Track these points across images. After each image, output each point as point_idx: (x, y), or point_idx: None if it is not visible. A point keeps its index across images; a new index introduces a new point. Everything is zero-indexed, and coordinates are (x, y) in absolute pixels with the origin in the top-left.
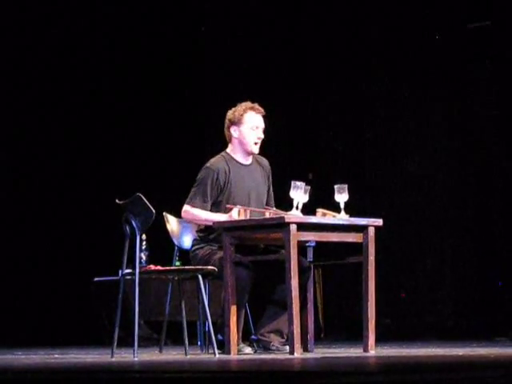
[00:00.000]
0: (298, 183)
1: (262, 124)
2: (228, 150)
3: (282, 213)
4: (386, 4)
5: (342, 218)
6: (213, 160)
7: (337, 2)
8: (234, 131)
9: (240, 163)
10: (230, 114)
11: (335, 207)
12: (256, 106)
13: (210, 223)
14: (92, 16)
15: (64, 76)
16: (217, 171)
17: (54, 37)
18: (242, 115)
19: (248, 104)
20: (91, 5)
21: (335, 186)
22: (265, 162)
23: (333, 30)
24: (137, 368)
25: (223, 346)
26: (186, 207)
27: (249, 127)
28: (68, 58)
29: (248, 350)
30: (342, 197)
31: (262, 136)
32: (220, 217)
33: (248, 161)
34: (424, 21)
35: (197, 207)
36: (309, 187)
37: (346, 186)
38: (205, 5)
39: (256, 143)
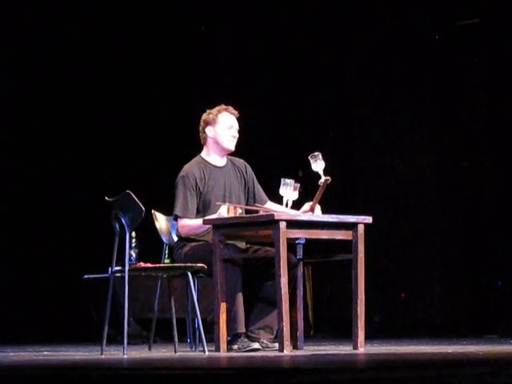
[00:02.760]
0: (288, 180)
1: (236, 125)
2: (202, 153)
3: (271, 210)
4: (375, 1)
5: (325, 181)
6: (187, 167)
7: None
8: (209, 131)
9: (214, 165)
10: (204, 115)
11: (325, 203)
12: (230, 108)
13: (205, 228)
14: (85, 14)
15: (54, 74)
16: (193, 177)
17: (47, 36)
18: (216, 115)
19: (222, 106)
20: (84, 3)
21: (309, 157)
22: (240, 162)
23: (323, 27)
24: (126, 365)
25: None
26: (181, 222)
27: (224, 126)
28: (58, 55)
29: (256, 345)
30: (319, 165)
31: (237, 135)
32: (210, 217)
33: (222, 162)
34: (414, 18)
35: (189, 217)
36: (298, 184)
37: (319, 153)
38: (202, 5)
39: (232, 141)
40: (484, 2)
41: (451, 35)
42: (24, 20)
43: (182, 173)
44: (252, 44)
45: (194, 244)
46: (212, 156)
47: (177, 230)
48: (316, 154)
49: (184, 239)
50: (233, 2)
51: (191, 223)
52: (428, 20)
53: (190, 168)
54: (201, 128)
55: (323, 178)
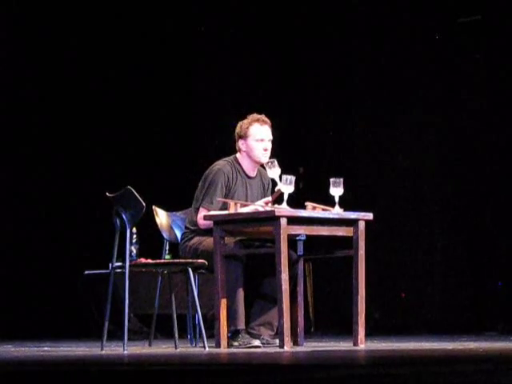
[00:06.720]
0: (289, 177)
1: (267, 135)
2: (238, 155)
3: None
4: None
5: (337, 211)
6: (222, 163)
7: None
8: (241, 144)
9: (246, 174)
10: (237, 127)
11: (325, 201)
12: (262, 117)
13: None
14: (84, 14)
15: (54, 72)
16: (227, 175)
17: (47, 35)
18: (247, 128)
19: (254, 116)
20: (83, 4)
21: (331, 180)
22: (267, 178)
23: (323, 26)
24: (126, 361)
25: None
26: (205, 212)
27: (254, 140)
28: (57, 54)
29: (257, 342)
30: (337, 190)
31: (269, 147)
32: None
33: (253, 173)
34: (415, 15)
35: (214, 210)
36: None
37: (341, 179)
38: (201, 5)
39: (264, 155)
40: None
41: (452, 32)
42: (24, 20)
43: (217, 166)
44: (252, 44)
45: (199, 238)
46: (245, 164)
47: (189, 223)
48: (339, 180)
49: (192, 232)
50: (233, 2)
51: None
52: (428, 18)
53: (226, 165)
54: (235, 139)
55: (277, 187)
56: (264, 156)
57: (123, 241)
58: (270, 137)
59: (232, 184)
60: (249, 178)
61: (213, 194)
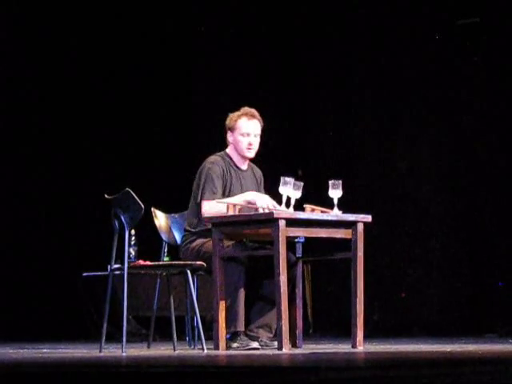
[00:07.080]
0: (287, 179)
1: (254, 130)
2: (228, 150)
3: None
4: (375, 0)
5: (336, 213)
6: (214, 158)
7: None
8: (229, 137)
9: (237, 167)
10: (227, 120)
11: (324, 203)
12: (251, 111)
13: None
14: (83, 15)
15: (54, 72)
16: (221, 167)
17: (46, 35)
18: (235, 121)
19: (244, 110)
20: (83, 4)
21: (330, 182)
22: (258, 172)
23: (323, 27)
24: (125, 363)
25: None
26: (208, 203)
27: (240, 133)
28: (57, 52)
29: (255, 344)
30: (335, 192)
31: (254, 142)
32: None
33: (244, 166)
34: (414, 17)
35: (217, 199)
36: (302, 183)
37: (340, 181)
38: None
39: (249, 148)
40: (483, 1)
41: (452, 33)
42: (24, 20)
43: (209, 159)
44: (252, 44)
45: (201, 240)
46: (235, 157)
47: (188, 225)
48: (337, 181)
49: (194, 234)
50: (233, 2)
51: (220, 205)
52: (428, 20)
53: (217, 158)
54: (225, 130)
55: (318, 208)
56: (248, 151)
57: (122, 243)
58: (257, 132)
59: (226, 177)
60: (241, 170)
61: (212, 185)
